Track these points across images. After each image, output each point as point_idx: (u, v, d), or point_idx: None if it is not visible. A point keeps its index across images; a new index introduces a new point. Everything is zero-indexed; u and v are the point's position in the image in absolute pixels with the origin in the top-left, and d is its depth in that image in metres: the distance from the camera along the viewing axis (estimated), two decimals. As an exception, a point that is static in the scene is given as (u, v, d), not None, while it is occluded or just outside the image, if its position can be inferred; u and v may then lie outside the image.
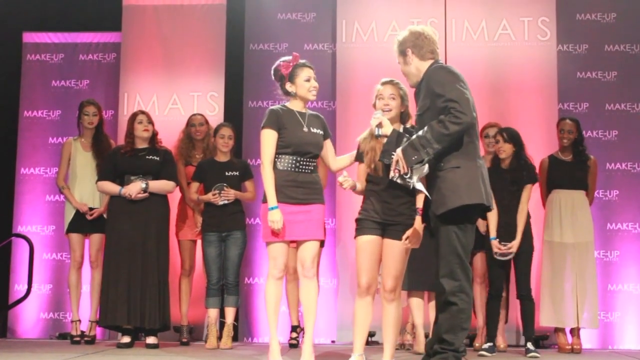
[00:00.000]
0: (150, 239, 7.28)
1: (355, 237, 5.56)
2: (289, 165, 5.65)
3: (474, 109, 5.06)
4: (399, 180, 5.07)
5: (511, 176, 7.23)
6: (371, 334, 7.93)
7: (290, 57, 5.84)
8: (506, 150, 7.24)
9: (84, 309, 7.90)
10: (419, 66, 5.31)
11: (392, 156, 5.11)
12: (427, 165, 5.02)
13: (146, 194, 7.26)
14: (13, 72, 9.20)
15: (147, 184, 7.26)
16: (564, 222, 7.58)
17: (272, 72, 5.90)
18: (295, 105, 5.81)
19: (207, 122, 8.12)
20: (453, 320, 5.05)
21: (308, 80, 5.76)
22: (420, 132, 5.01)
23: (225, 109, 8.81)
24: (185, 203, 7.92)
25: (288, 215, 5.57)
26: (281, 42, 9.03)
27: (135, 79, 8.89)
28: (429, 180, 5.11)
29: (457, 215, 5.00)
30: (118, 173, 7.37)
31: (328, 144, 5.91)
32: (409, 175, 5.01)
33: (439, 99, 5.02)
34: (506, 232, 7.17)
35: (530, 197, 7.30)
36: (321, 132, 5.82)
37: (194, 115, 8.20)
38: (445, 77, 5.10)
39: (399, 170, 5.03)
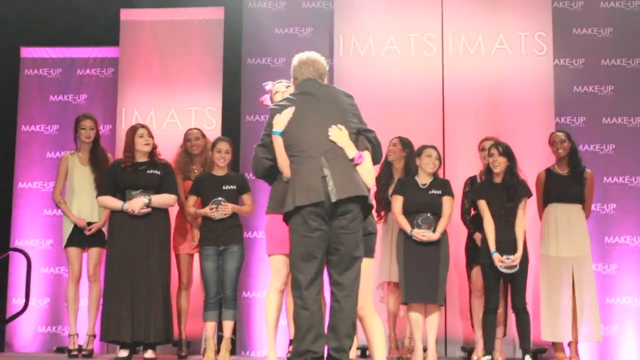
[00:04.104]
0: (153, 254, 7.26)
1: None
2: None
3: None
4: None
5: (507, 193, 7.24)
6: (366, 348, 7.92)
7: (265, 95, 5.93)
8: (501, 163, 7.25)
9: (82, 323, 7.89)
10: None
11: None
12: None
13: (149, 209, 7.25)
14: (11, 86, 9.23)
15: (149, 199, 7.25)
16: (560, 235, 7.59)
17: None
18: None
19: (203, 136, 8.13)
20: None
21: (278, 92, 5.83)
22: None
23: (223, 123, 8.84)
24: (183, 217, 7.91)
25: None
26: (279, 57, 9.05)
27: (133, 93, 8.91)
28: None
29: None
30: (119, 188, 7.36)
31: None
32: None
33: None
34: (504, 246, 7.17)
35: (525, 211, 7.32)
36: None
37: (190, 129, 8.21)
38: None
39: None
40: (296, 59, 5.41)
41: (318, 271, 4.98)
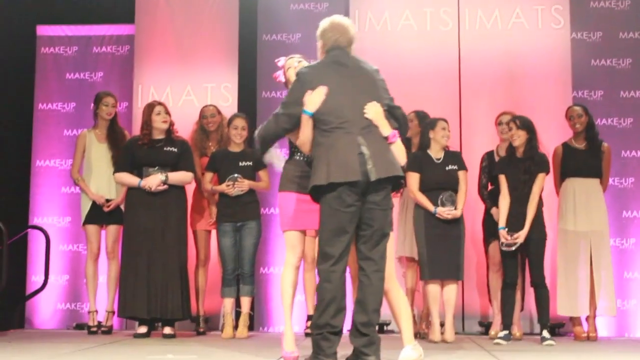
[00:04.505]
0: (170, 231, 7.31)
1: None
2: (306, 155, 5.64)
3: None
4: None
5: (524, 165, 7.21)
6: (386, 323, 7.96)
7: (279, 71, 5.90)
8: (520, 136, 7.22)
9: (101, 300, 7.94)
10: None
11: None
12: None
13: (165, 186, 7.28)
14: (27, 65, 9.24)
15: (166, 176, 7.28)
16: (578, 210, 7.57)
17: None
18: None
19: (219, 112, 8.13)
20: None
21: (290, 68, 5.78)
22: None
23: (239, 100, 8.83)
24: (201, 194, 7.94)
25: (303, 205, 5.56)
26: (294, 33, 9.03)
27: (149, 71, 8.92)
28: None
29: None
30: (136, 165, 7.40)
31: None
32: None
33: None
34: (518, 221, 7.15)
35: (543, 187, 7.28)
36: None
37: (206, 106, 8.22)
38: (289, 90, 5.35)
39: None
40: (327, 22, 5.35)
41: (347, 246, 5.03)
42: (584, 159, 7.63)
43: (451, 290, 7.27)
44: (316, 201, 5.12)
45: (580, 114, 7.68)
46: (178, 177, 7.36)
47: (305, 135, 5.18)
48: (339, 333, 5.01)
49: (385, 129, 5.13)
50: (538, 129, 7.34)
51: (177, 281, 7.26)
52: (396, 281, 5.47)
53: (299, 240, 5.62)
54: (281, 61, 5.90)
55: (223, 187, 7.47)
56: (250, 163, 7.58)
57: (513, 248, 7.12)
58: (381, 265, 5.08)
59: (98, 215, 7.84)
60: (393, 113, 5.27)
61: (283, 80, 5.82)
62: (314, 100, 5.10)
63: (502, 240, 7.15)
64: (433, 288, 7.23)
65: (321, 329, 4.98)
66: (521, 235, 7.10)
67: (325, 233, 5.02)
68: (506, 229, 7.14)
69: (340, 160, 4.96)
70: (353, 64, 5.25)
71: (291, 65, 5.77)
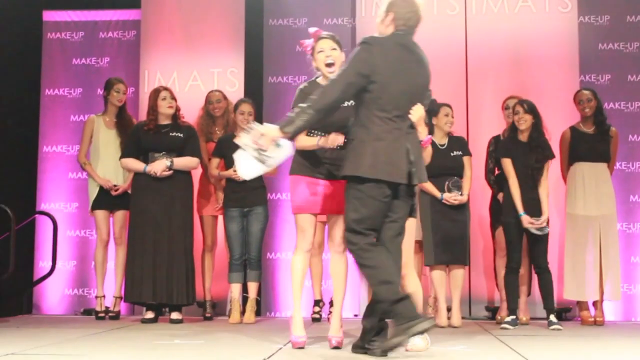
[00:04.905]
0: (176, 216, 7.32)
1: None
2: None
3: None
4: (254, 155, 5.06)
5: (535, 154, 7.18)
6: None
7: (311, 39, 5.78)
8: (527, 120, 7.20)
9: (109, 285, 7.96)
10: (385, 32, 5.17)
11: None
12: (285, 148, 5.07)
13: (171, 172, 7.29)
14: (34, 50, 9.23)
15: (172, 162, 7.29)
16: (587, 194, 7.56)
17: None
18: (324, 81, 5.72)
19: (225, 98, 8.12)
20: None
21: (322, 52, 5.65)
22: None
23: (245, 85, 8.82)
24: (207, 179, 7.94)
25: (317, 189, 5.53)
26: (300, 17, 9.00)
27: (155, 56, 8.91)
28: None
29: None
30: (142, 150, 7.41)
31: None
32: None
33: None
34: (530, 207, 7.14)
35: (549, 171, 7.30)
36: (351, 104, 5.73)
37: (212, 92, 8.20)
38: (352, 57, 5.00)
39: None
40: None
41: (379, 229, 5.03)
42: (592, 144, 7.61)
43: (458, 275, 7.30)
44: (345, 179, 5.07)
45: (589, 99, 7.66)
46: (183, 162, 7.37)
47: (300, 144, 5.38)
48: (403, 298, 4.87)
49: (423, 134, 5.17)
50: (545, 113, 7.34)
51: (182, 267, 7.28)
52: (413, 269, 5.61)
53: (310, 224, 5.59)
54: (313, 30, 5.77)
55: (230, 173, 7.46)
56: (257, 148, 7.57)
57: (546, 232, 7.11)
58: (398, 254, 5.10)
59: (106, 201, 7.85)
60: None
61: (309, 50, 5.71)
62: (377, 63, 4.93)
63: (528, 225, 7.10)
64: (439, 273, 7.25)
65: (393, 304, 4.85)
66: (544, 221, 7.10)
67: (360, 217, 4.95)
68: (526, 215, 7.11)
69: (388, 157, 4.90)
70: (417, 52, 5.11)
71: (323, 49, 5.57)
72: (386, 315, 4.97)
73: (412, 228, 5.57)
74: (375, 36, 5.08)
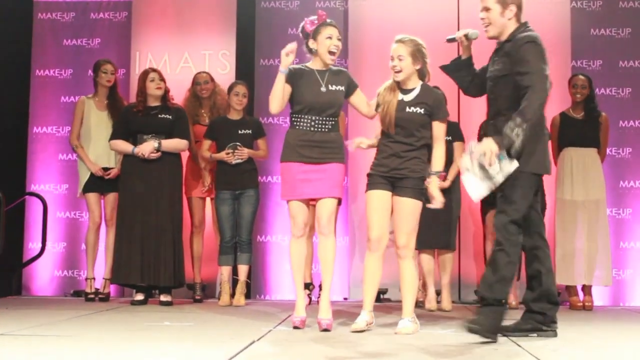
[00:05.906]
0: (164, 198, 7.32)
1: (365, 192, 5.64)
2: (306, 124, 5.64)
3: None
4: (473, 173, 5.15)
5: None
6: (382, 292, 7.98)
7: (316, 16, 5.77)
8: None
9: (99, 267, 7.95)
10: (509, 25, 5.57)
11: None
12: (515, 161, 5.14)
13: (159, 153, 7.28)
14: (24, 31, 9.16)
15: (159, 143, 7.28)
16: (575, 179, 7.59)
17: (299, 29, 5.82)
18: (316, 64, 5.74)
19: (212, 79, 8.09)
20: None
21: (330, 38, 5.68)
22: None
23: (236, 67, 8.78)
24: (194, 161, 7.91)
25: (303, 174, 5.59)
26: (293, 0, 8.98)
27: (146, 37, 8.87)
28: None
29: None
30: (131, 132, 7.39)
31: (357, 93, 5.87)
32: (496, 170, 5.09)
33: (521, 76, 5.29)
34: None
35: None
36: (342, 88, 5.73)
37: (199, 73, 8.17)
38: (536, 56, 5.36)
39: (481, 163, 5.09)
40: None
41: None
42: (581, 129, 7.64)
43: (446, 259, 7.34)
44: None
45: (584, 85, 7.68)
46: (172, 144, 7.36)
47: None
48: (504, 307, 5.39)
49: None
50: (536, 98, 7.31)
51: (170, 249, 7.28)
52: (411, 252, 5.71)
53: (299, 210, 5.70)
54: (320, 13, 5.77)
55: (222, 155, 7.45)
56: (250, 131, 7.57)
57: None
58: None
59: (97, 183, 7.83)
60: None
61: (314, 23, 5.71)
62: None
63: None
64: (426, 258, 7.29)
65: None
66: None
67: (524, 207, 5.28)
68: None
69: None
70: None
71: (332, 35, 5.67)
72: (482, 301, 5.24)
73: (418, 211, 5.62)
74: (534, 34, 5.51)
